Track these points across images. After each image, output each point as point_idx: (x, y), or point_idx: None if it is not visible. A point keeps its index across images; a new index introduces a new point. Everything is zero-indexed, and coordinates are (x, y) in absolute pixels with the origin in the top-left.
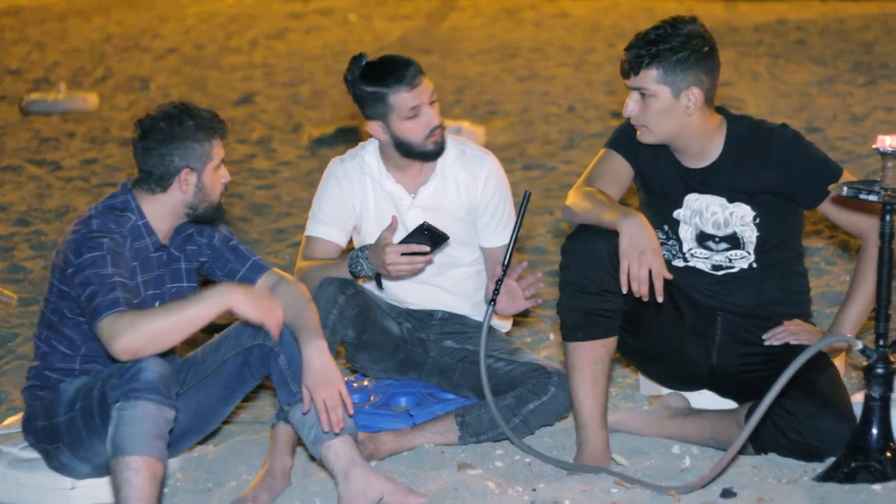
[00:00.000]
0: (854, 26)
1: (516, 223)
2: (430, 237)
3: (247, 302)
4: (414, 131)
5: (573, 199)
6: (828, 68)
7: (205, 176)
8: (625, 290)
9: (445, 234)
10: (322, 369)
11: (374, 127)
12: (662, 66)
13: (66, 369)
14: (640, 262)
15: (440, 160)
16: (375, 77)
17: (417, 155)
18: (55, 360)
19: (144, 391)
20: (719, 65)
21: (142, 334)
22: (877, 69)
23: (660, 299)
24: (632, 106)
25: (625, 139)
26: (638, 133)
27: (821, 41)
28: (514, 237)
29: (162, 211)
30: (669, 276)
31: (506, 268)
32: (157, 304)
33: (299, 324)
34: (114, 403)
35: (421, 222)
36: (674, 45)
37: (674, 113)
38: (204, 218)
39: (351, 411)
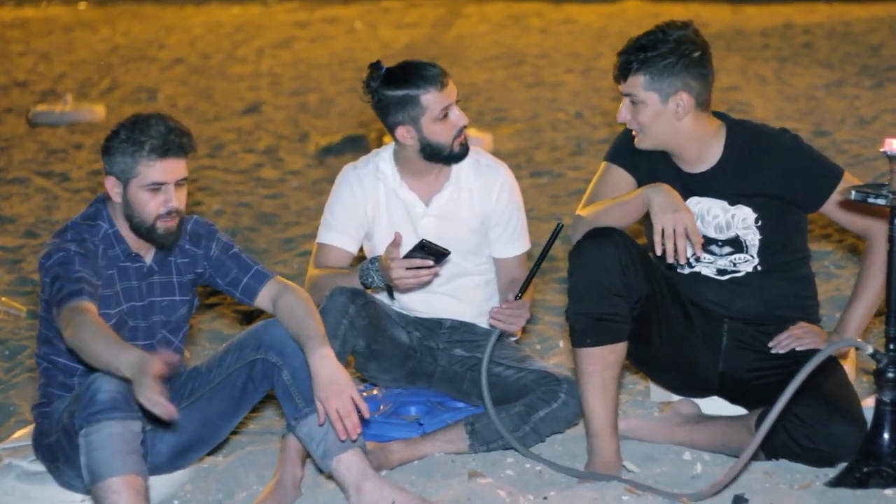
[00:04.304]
0: (860, 29)
1: (542, 253)
2: (429, 253)
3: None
4: (444, 133)
5: (586, 212)
6: (835, 71)
7: (130, 190)
8: (659, 251)
9: (445, 250)
10: (331, 378)
11: (401, 132)
12: (650, 73)
13: (66, 384)
14: (675, 220)
15: (455, 168)
16: (403, 80)
17: (445, 158)
18: (58, 375)
19: (104, 412)
20: (712, 69)
21: (80, 340)
22: (884, 72)
23: (698, 251)
24: (624, 112)
25: (623, 151)
26: (635, 139)
27: (827, 44)
28: (535, 268)
29: (120, 219)
30: (701, 239)
31: (519, 297)
32: (142, 315)
33: (303, 334)
34: (79, 431)
35: (420, 239)
36: (662, 52)
37: (663, 118)
38: (146, 237)
39: (366, 415)
